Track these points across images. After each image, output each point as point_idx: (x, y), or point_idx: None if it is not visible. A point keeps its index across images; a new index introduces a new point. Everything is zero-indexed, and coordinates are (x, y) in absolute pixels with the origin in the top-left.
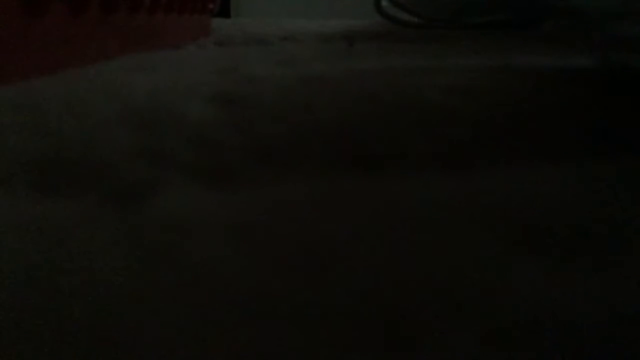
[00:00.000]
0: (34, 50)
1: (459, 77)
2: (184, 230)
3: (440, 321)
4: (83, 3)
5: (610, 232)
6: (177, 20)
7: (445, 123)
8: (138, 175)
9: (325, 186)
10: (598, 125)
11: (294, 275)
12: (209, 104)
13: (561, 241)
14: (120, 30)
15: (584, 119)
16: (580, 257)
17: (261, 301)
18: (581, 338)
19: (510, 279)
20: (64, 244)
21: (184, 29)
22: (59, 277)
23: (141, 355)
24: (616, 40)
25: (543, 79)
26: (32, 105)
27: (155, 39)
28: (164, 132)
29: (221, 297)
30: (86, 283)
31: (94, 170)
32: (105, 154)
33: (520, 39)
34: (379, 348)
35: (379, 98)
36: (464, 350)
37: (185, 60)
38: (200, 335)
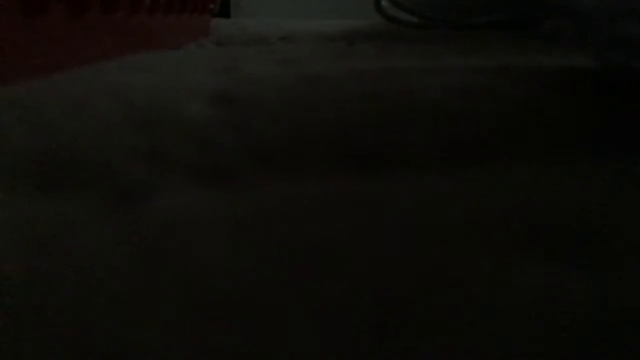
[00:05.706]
0: (34, 50)
1: (458, 77)
2: (183, 230)
3: (440, 321)
4: (83, 3)
5: (611, 232)
6: (177, 20)
7: (445, 123)
8: (138, 175)
9: (325, 186)
10: (598, 125)
11: (294, 275)
12: (209, 104)
13: (562, 241)
14: (120, 30)
15: (584, 119)
16: (581, 258)
17: (261, 301)
18: (582, 338)
19: (510, 279)
20: (64, 244)
21: (184, 29)
22: (58, 277)
23: (141, 355)
24: (616, 40)
25: (543, 79)
26: (32, 105)
27: (155, 39)
28: (164, 132)
29: (221, 297)
30: (86, 283)
31: (94, 170)
32: (105, 153)
33: (520, 39)
34: (379, 348)
35: (379, 98)
36: (463, 350)
37: (185, 60)
38: (200, 335)
